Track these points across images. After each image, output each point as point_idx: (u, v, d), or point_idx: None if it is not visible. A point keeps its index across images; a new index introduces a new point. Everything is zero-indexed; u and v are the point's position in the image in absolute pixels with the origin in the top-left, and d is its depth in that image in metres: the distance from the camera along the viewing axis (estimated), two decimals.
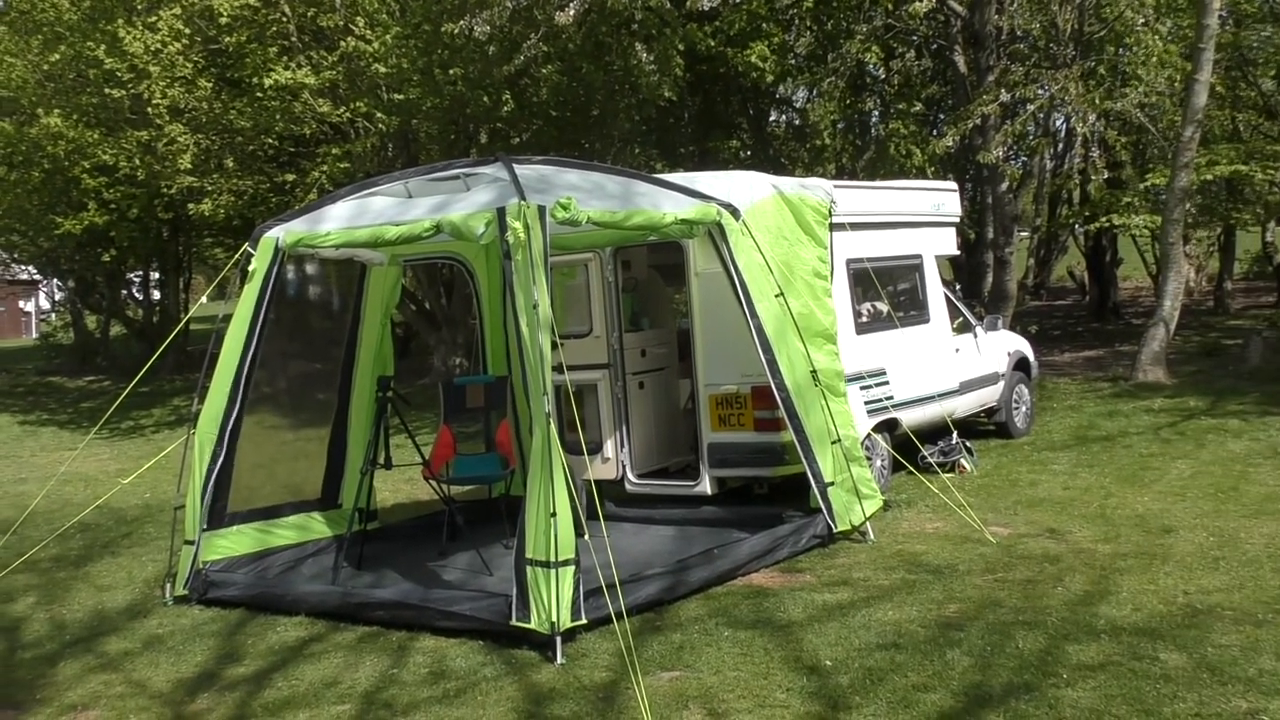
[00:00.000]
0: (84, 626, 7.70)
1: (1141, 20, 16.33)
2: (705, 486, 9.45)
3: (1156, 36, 16.04)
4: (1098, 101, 16.62)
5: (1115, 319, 24.63)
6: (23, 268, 31.61)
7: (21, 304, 46.72)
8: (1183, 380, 15.54)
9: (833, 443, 8.53)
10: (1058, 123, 22.63)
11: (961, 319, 12.08)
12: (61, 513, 11.42)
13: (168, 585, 8.22)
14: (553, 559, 6.40)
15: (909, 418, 10.38)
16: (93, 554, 9.93)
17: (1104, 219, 19.69)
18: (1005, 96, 16.86)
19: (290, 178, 18.57)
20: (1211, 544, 7.85)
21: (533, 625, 6.42)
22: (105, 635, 7.44)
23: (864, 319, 10.31)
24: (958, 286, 20.53)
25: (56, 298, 35.35)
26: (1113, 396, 14.63)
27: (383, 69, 16.42)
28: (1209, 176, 17.94)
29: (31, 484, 14.16)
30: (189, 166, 17.42)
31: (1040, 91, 17.31)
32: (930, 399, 10.74)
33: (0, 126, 19.90)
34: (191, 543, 8.11)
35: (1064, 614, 6.51)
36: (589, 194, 7.48)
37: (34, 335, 40.05)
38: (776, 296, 8.40)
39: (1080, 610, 6.56)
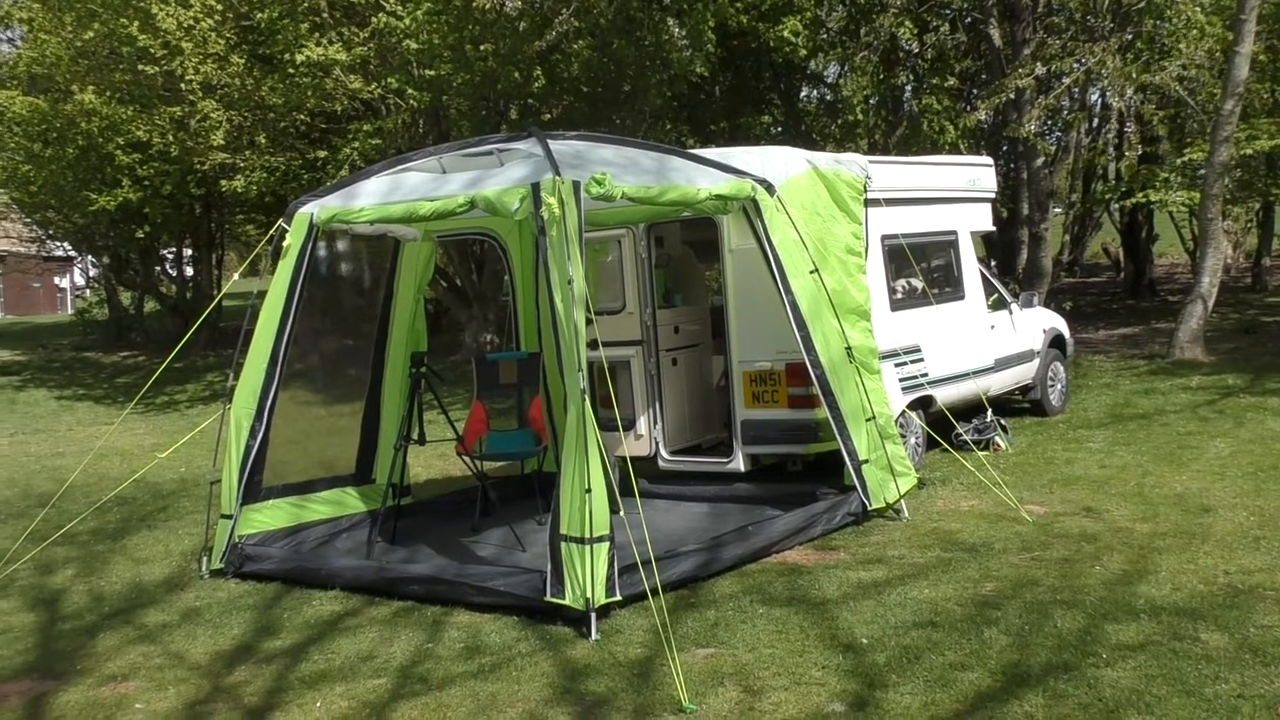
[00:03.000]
0: (122, 599, 7.78)
1: None
2: (738, 463, 9.42)
3: (1197, 7, 15.78)
4: (1135, 75, 16.39)
5: (1151, 296, 24.40)
6: (58, 244, 31.81)
7: (57, 280, 47.17)
8: (1221, 358, 15.37)
9: (867, 420, 8.48)
10: (1094, 97, 22.36)
11: (996, 296, 11.98)
12: (99, 486, 11.53)
13: (204, 559, 8.29)
14: (587, 535, 6.39)
15: (944, 395, 10.30)
16: (130, 527, 10.03)
17: (1140, 195, 19.46)
18: (1041, 70, 16.66)
19: (322, 154, 18.61)
20: (1252, 523, 7.76)
21: (567, 601, 6.42)
22: (143, 608, 7.51)
23: (899, 295, 10.23)
24: (993, 263, 20.39)
25: (91, 274, 35.65)
26: (1149, 374, 14.49)
27: (414, 45, 16.38)
28: (1249, 151, 17.68)
29: (69, 458, 14.30)
30: (221, 143, 17.49)
31: (1076, 65, 17.08)
32: (965, 376, 10.66)
33: (35, 103, 20.01)
34: (228, 517, 8.16)
35: (1102, 593, 6.45)
36: (623, 169, 7.44)
37: (69, 311, 40.38)
38: (811, 273, 8.34)
39: (1119, 590, 6.50)
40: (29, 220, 27.86)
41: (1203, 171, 16.68)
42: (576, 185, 6.79)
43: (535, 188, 6.80)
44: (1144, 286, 24.84)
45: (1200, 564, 6.90)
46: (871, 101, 21.26)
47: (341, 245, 9.47)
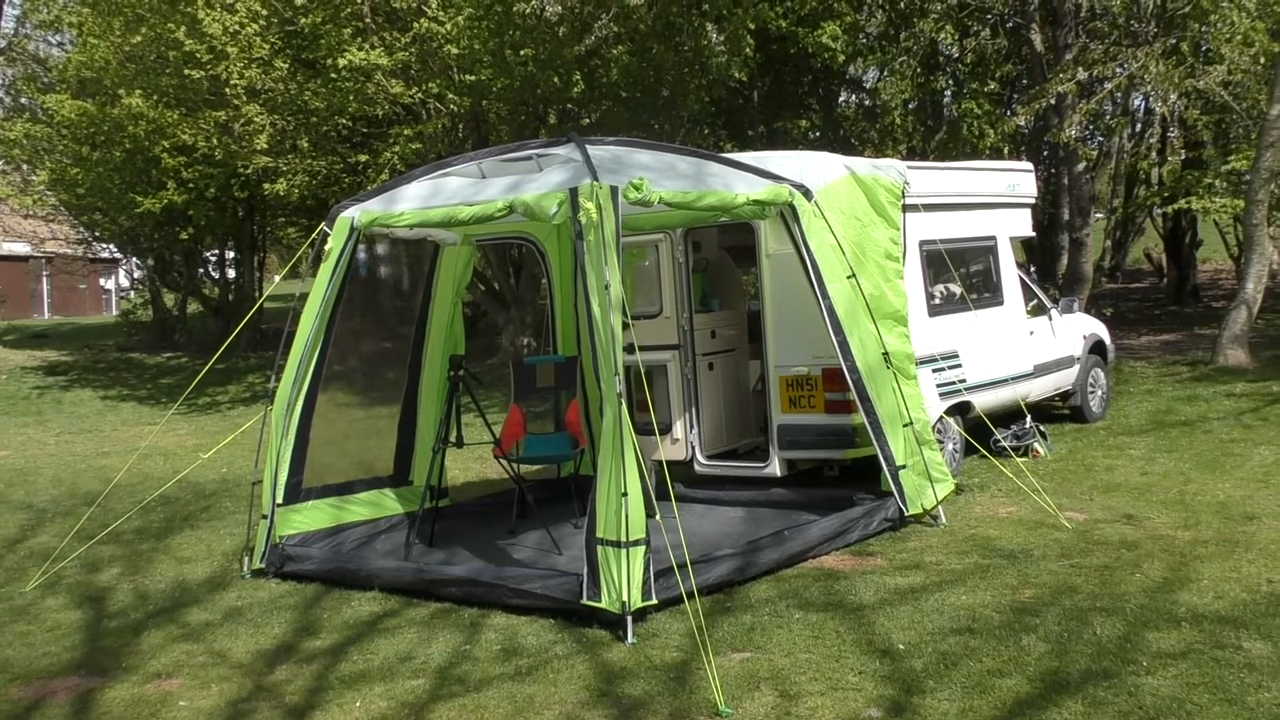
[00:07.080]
0: (166, 597, 7.89)
1: None
2: (775, 468, 9.42)
3: (1243, 13, 15.60)
4: (1179, 80, 16.22)
5: (1194, 302, 24.11)
6: (103, 246, 32.25)
7: (102, 281, 47.77)
8: (1265, 364, 15.18)
9: (904, 425, 8.45)
10: (1136, 101, 22.15)
11: (1036, 301, 11.91)
12: (142, 486, 11.69)
13: (245, 559, 8.39)
14: (624, 539, 6.42)
15: (982, 401, 10.25)
16: (173, 527, 10.16)
17: (1183, 201, 19.24)
18: (1082, 75, 16.52)
19: (363, 158, 18.77)
20: None
21: (603, 604, 6.44)
22: (186, 606, 7.61)
23: (937, 301, 10.19)
24: (1032, 268, 20.25)
25: (136, 275, 36.10)
26: (1192, 380, 14.33)
27: (454, 50, 16.51)
28: None
29: (113, 457, 14.50)
30: (265, 146, 17.68)
31: (1119, 70, 16.93)
32: (1004, 382, 10.60)
33: (84, 107, 20.34)
34: (266, 517, 8.26)
35: (1143, 601, 6.40)
36: (661, 174, 7.46)
37: (114, 312, 40.90)
38: (848, 278, 8.33)
39: (1159, 597, 6.45)
40: (76, 222, 28.29)
41: (1248, 178, 16.48)
42: (614, 190, 6.83)
43: (573, 192, 6.83)
44: (1187, 292, 24.55)
45: (1243, 572, 6.84)
46: (910, 106, 21.19)
47: (381, 249, 9.55)
